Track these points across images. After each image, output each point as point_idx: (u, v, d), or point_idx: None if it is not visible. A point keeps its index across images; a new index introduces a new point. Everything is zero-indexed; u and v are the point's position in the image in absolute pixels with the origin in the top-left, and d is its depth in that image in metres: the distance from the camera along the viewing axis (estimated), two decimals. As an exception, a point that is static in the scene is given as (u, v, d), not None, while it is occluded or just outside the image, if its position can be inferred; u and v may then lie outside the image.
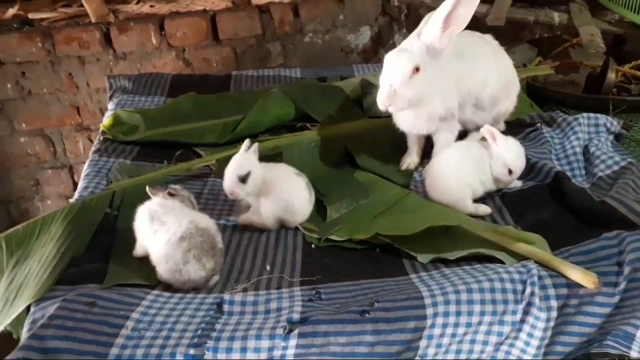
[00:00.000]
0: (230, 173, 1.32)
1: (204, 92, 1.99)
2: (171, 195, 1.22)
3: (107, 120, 1.81)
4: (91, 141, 2.64)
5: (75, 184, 2.70)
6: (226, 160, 1.54)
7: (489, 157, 1.37)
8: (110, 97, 2.10)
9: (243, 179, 1.31)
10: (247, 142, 1.36)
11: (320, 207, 1.41)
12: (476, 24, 2.68)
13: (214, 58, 2.61)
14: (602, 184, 1.39)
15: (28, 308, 1.13)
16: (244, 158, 1.33)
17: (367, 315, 1.01)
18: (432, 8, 2.67)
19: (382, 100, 1.32)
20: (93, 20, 2.62)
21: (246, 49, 2.62)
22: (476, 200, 1.38)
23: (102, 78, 2.51)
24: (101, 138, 1.75)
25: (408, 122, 1.48)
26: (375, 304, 1.04)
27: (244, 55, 2.63)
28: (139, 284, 1.16)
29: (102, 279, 1.17)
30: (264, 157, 1.53)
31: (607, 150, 1.47)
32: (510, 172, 1.36)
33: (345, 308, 1.05)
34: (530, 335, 1.07)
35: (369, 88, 1.82)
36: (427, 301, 1.04)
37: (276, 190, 1.34)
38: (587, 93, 2.02)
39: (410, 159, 1.58)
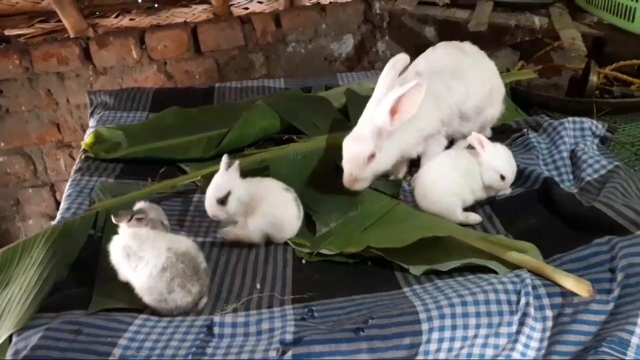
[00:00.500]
0: (209, 196, 1.31)
1: (187, 105, 1.96)
2: (139, 220, 1.13)
3: (88, 138, 1.77)
4: (73, 158, 2.60)
5: (57, 203, 2.65)
6: (212, 176, 1.52)
7: (479, 164, 1.36)
8: (91, 114, 2.06)
9: (222, 201, 1.29)
10: (225, 158, 1.34)
11: (309, 221, 1.40)
12: (458, 29, 2.73)
13: (196, 70, 2.58)
14: (590, 188, 1.39)
15: (10, 338, 1.09)
16: (222, 179, 1.30)
17: (361, 333, 0.99)
18: (413, 15, 2.71)
19: (347, 184, 1.40)
20: (72, 35, 2.58)
21: (229, 60, 2.60)
22: (466, 209, 1.37)
23: (83, 94, 2.48)
24: (82, 156, 1.71)
25: (406, 155, 1.52)
26: (370, 320, 1.02)
27: (227, 67, 2.61)
28: (126, 308, 1.12)
29: (87, 304, 1.13)
30: (251, 172, 1.51)
31: (593, 154, 1.47)
32: (502, 177, 1.35)
33: (339, 326, 1.03)
34: (526, 346, 1.06)
35: (354, 98, 1.81)
36: (422, 316, 1.02)
37: (264, 206, 1.32)
38: (570, 96, 2.03)
39: (397, 171, 1.57)
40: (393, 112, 1.35)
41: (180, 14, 2.88)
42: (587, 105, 1.85)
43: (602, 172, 1.41)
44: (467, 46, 1.63)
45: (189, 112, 1.92)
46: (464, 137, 1.64)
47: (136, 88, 2.18)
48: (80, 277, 1.22)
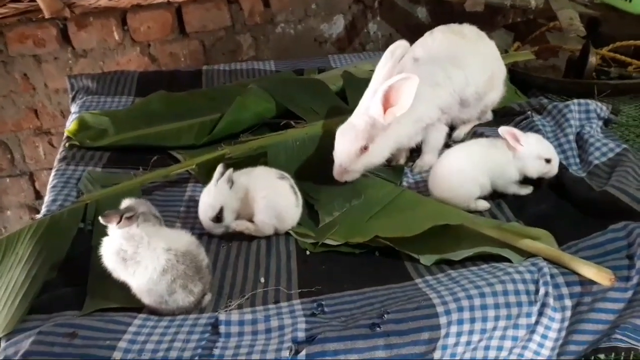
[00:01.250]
0: (203, 216, 1.26)
1: (174, 90, 1.88)
2: (129, 219, 1.02)
3: (71, 124, 1.67)
4: (52, 146, 2.47)
5: (36, 192, 2.53)
6: (207, 164, 1.45)
7: (515, 158, 1.30)
8: (73, 99, 1.95)
9: (217, 218, 1.24)
10: (219, 169, 1.27)
11: (311, 210, 1.34)
12: (450, 10, 2.67)
13: (182, 52, 2.47)
14: (599, 172, 1.35)
15: (-2, 342, 1.01)
16: (214, 196, 1.24)
17: (377, 329, 0.94)
18: (406, -6, 2.64)
19: (336, 176, 1.35)
20: (47, 15, 2.43)
21: (215, 41, 2.49)
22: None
23: (62, 78, 2.35)
24: (66, 144, 1.62)
25: (403, 147, 1.47)
26: (385, 315, 0.97)
27: (213, 49, 2.50)
28: (123, 307, 1.05)
29: (80, 304, 1.06)
30: (247, 159, 1.44)
31: (600, 137, 1.43)
32: (548, 161, 1.29)
33: (353, 322, 0.98)
34: (544, 336, 1.02)
35: (352, 81, 1.75)
36: (439, 309, 0.98)
37: (261, 198, 1.26)
38: (568, 77, 2.00)
39: (400, 155, 1.52)
40: (385, 105, 1.30)
41: (163, -6, 2.76)
42: (587, 86, 1.81)
43: (610, 155, 1.37)
44: (466, 29, 1.57)
45: (177, 97, 1.83)
46: (464, 123, 1.60)
47: (120, 71, 2.08)
48: (71, 275, 1.14)
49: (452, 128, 1.58)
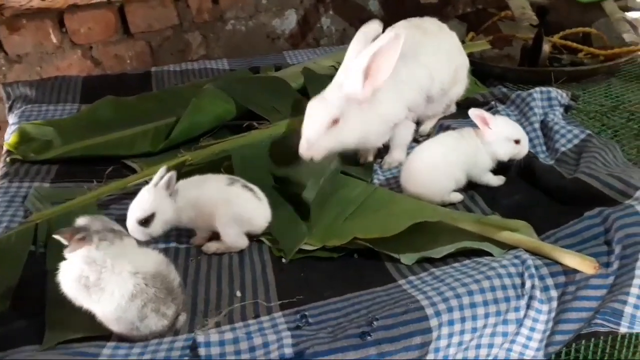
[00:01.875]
0: (130, 216, 1.15)
1: (122, 94, 1.77)
2: (81, 241, 0.91)
3: (11, 137, 1.53)
4: (-12, 160, 2.29)
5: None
6: (166, 172, 1.36)
7: (484, 144, 1.29)
8: (10, 109, 1.80)
9: (144, 222, 1.14)
10: (160, 172, 1.16)
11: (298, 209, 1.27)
12: (402, 2, 2.66)
13: (127, 54, 2.34)
14: (567, 158, 1.37)
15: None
16: (147, 198, 1.15)
17: (368, 337, 0.90)
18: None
19: (302, 151, 1.28)
20: (-27, 19, 2.25)
21: (162, 41, 2.37)
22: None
23: (-5, 86, 2.18)
24: (7, 159, 1.48)
25: (364, 147, 1.43)
26: (374, 322, 0.93)
27: (161, 49, 2.38)
28: (88, 337, 0.95)
29: (39, 337, 0.95)
30: (209, 165, 1.36)
31: (564, 124, 1.45)
32: (517, 142, 1.29)
33: (342, 331, 0.93)
34: (532, 329, 1.01)
35: (313, 77, 1.69)
36: (429, 311, 0.94)
37: (222, 208, 1.17)
38: (523, 65, 2.02)
39: (368, 154, 1.48)
40: (366, 76, 1.25)
41: (101, -7, 2.60)
42: (543, 74, 1.84)
43: (576, 141, 1.39)
44: (428, 23, 1.55)
45: (127, 102, 1.72)
46: (429, 118, 1.59)
47: (61, 77, 1.94)
48: (26, 305, 1.03)
49: (417, 123, 1.56)
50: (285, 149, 1.37)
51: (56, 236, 0.91)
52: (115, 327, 0.94)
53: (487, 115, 1.29)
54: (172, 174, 1.16)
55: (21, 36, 2.18)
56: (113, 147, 1.50)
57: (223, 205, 1.17)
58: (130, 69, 2.29)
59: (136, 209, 1.15)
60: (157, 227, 1.15)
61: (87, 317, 0.96)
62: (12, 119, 1.73)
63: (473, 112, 1.30)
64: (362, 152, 1.47)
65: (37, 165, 1.46)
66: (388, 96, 1.34)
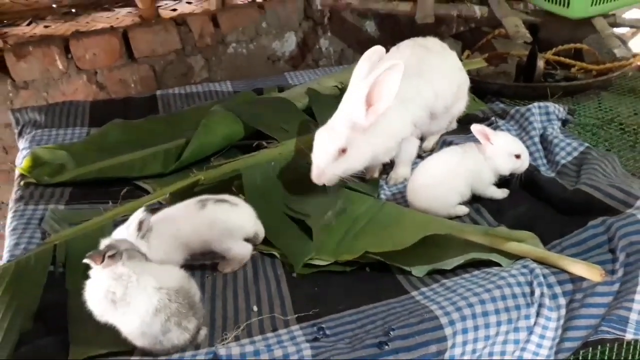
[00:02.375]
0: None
1: (130, 117, 1.81)
2: (112, 258, 0.96)
3: (24, 161, 1.56)
4: (-5, 184, 2.32)
5: (-19, 236, 2.35)
6: (180, 192, 1.40)
7: (486, 159, 1.33)
8: (20, 134, 1.83)
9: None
10: (137, 214, 1.12)
11: (301, 228, 1.30)
12: (398, 23, 2.73)
13: (131, 78, 2.39)
14: (567, 171, 1.41)
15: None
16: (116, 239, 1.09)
17: (386, 347, 0.93)
18: (354, 9, 2.68)
19: (314, 178, 1.32)
20: (-23, 47, 2.29)
21: (166, 65, 2.43)
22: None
23: (2, 112, 2.22)
24: (22, 183, 1.51)
25: (378, 161, 1.46)
26: (391, 332, 0.96)
27: (164, 73, 2.43)
28: (112, 352, 0.98)
29: (63, 354, 0.98)
30: (220, 184, 1.40)
31: (563, 138, 1.50)
32: (518, 156, 1.33)
33: (359, 342, 0.96)
34: (542, 336, 1.05)
35: (318, 97, 1.74)
36: (443, 320, 0.98)
37: (207, 232, 1.18)
38: (518, 81, 2.08)
39: (374, 169, 1.52)
40: (368, 103, 1.29)
41: (103, 19, 2.67)
42: (539, 90, 1.90)
43: (575, 154, 1.44)
44: (430, 42, 1.60)
45: (135, 125, 1.76)
46: (432, 134, 1.62)
47: (69, 102, 1.98)
48: (49, 324, 1.06)
49: (420, 139, 1.60)
50: (295, 175, 1.42)
51: (87, 260, 0.95)
52: (139, 341, 0.96)
53: (488, 130, 1.33)
54: (146, 216, 1.12)
55: (28, 63, 2.23)
56: (125, 169, 1.54)
57: (207, 230, 1.18)
58: (135, 93, 2.34)
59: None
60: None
61: (110, 334, 0.99)
62: (22, 143, 1.76)
63: (475, 128, 1.34)
64: (368, 168, 1.51)
65: (51, 188, 1.49)
66: (395, 114, 1.38)
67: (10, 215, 1.40)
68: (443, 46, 1.61)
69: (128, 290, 0.95)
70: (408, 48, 1.53)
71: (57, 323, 1.05)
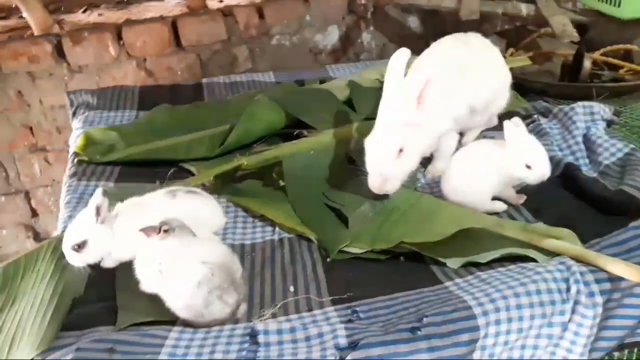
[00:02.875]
0: (64, 243, 1.15)
1: (176, 103, 1.88)
2: (166, 232, 1.04)
3: (78, 140, 1.65)
4: (48, 163, 2.44)
5: (32, 210, 2.48)
6: (222, 175, 1.45)
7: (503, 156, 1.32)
8: (74, 115, 1.93)
9: (78, 247, 1.14)
10: (94, 198, 1.14)
11: (337, 216, 1.33)
12: (441, 19, 2.72)
13: (178, 66, 2.47)
14: (610, 172, 1.39)
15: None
16: (81, 223, 1.15)
17: (418, 332, 0.95)
18: (398, 4, 2.69)
19: (376, 188, 1.29)
20: (36, 32, 2.41)
21: (212, 54, 2.50)
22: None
23: (57, 94, 2.33)
24: (75, 160, 1.59)
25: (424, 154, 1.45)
26: (424, 319, 0.97)
27: (210, 62, 2.50)
28: (156, 321, 1.04)
29: (111, 320, 1.04)
30: (261, 169, 1.44)
31: (607, 138, 1.47)
32: (529, 167, 1.31)
33: (393, 326, 0.98)
34: (576, 334, 1.04)
35: (358, 90, 1.77)
36: (477, 310, 0.99)
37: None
38: (563, 81, 2.05)
39: None
40: (418, 100, 1.30)
41: (153, 8, 2.76)
42: (585, 90, 1.87)
43: (619, 155, 1.41)
44: (472, 38, 1.59)
45: (182, 110, 1.83)
46: (471, 130, 1.62)
47: (120, 86, 2.07)
48: (98, 290, 1.12)
49: (460, 134, 1.61)
50: (333, 164, 1.45)
51: (141, 232, 1.01)
52: (182, 313, 1.01)
53: (519, 122, 1.31)
54: (102, 201, 1.13)
55: (83, 48, 2.33)
56: (171, 151, 1.60)
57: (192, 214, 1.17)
58: (181, 80, 2.42)
59: (70, 234, 1.15)
60: (91, 255, 1.15)
61: (155, 303, 1.04)
62: (76, 124, 1.85)
63: (513, 121, 1.32)
64: None
65: (102, 166, 1.57)
66: (436, 110, 1.38)
67: (64, 189, 1.48)
68: (485, 42, 1.60)
69: (175, 263, 1.00)
70: (449, 43, 1.53)
71: (107, 291, 1.12)
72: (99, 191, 1.15)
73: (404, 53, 1.43)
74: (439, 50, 1.53)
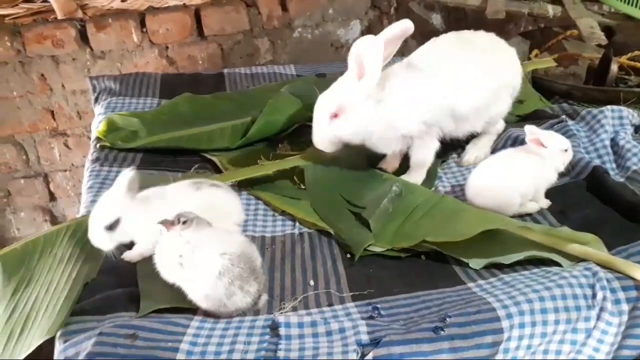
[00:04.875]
0: (95, 223, 1.13)
1: (197, 92, 1.87)
2: (184, 224, 1.03)
3: (101, 125, 1.65)
4: (68, 147, 2.45)
5: (51, 194, 2.50)
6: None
7: (543, 162, 1.31)
8: (96, 100, 1.93)
9: (110, 227, 1.13)
10: (125, 175, 1.13)
11: (357, 216, 1.33)
12: (464, 17, 2.69)
13: (199, 55, 2.47)
14: (638, 177, 1.37)
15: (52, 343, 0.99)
16: (112, 202, 1.14)
17: (441, 332, 0.94)
18: (423, 2, 2.66)
19: (315, 143, 1.41)
20: (59, 16, 2.41)
21: (233, 45, 2.49)
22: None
23: (79, 79, 2.34)
24: (97, 146, 1.60)
25: (374, 149, 1.44)
26: (447, 319, 0.97)
27: (231, 52, 2.50)
28: (178, 308, 1.04)
29: (132, 306, 1.04)
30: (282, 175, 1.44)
31: (636, 144, 1.45)
32: (566, 150, 1.33)
33: (415, 325, 0.97)
34: (600, 341, 1.03)
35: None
36: (501, 313, 0.98)
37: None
38: (588, 85, 2.02)
39: (387, 165, 1.50)
40: (359, 75, 1.33)
41: (176, -4, 2.75)
42: (611, 94, 1.84)
43: (648, 161, 1.39)
44: (479, 36, 1.49)
45: (204, 100, 1.83)
46: (469, 136, 1.51)
47: (142, 73, 2.06)
48: (119, 277, 1.13)
49: (467, 141, 1.55)
50: (350, 166, 1.46)
51: (160, 225, 1.02)
52: (204, 304, 1.01)
53: (539, 133, 1.30)
54: (133, 179, 1.13)
55: (106, 34, 2.33)
56: (194, 140, 1.60)
57: (201, 214, 1.10)
58: (202, 70, 2.41)
59: (101, 216, 1.14)
60: (120, 233, 1.14)
61: (174, 291, 1.05)
62: (98, 109, 1.86)
63: (528, 138, 1.31)
64: (382, 162, 1.51)
65: (124, 153, 1.57)
66: (399, 107, 1.36)
67: (87, 174, 1.49)
68: (495, 42, 1.51)
69: (194, 254, 1.00)
70: (446, 40, 1.46)
71: (129, 277, 1.12)
72: (129, 171, 1.14)
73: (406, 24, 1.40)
74: (432, 46, 1.46)
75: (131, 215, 1.14)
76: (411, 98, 1.36)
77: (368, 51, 1.30)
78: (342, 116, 1.36)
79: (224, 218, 1.22)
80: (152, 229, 1.10)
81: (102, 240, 1.14)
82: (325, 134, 1.38)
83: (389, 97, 1.36)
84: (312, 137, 1.39)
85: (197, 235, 1.04)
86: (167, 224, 1.04)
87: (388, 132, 1.39)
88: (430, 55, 1.43)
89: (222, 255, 1.01)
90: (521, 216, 1.31)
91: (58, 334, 0.98)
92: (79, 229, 1.25)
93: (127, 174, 1.14)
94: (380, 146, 1.43)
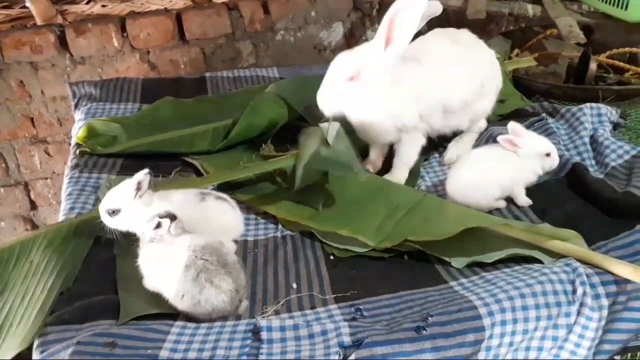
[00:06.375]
0: (102, 203, 1.18)
1: (179, 96, 1.86)
2: (173, 219, 1.05)
3: (80, 131, 1.63)
4: (49, 155, 2.42)
5: (31, 203, 2.46)
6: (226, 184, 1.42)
7: (519, 160, 1.32)
8: (76, 106, 1.91)
9: (112, 212, 1.17)
10: (140, 174, 1.15)
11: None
12: (446, 18, 2.70)
13: (182, 59, 2.45)
14: (617, 173, 1.38)
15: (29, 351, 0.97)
16: (119, 193, 1.17)
17: (423, 331, 0.94)
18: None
19: (319, 103, 1.38)
20: (39, 22, 2.39)
21: (215, 49, 2.48)
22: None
23: (59, 85, 2.31)
24: (77, 152, 1.58)
25: (366, 134, 1.44)
26: (429, 318, 0.97)
27: (213, 56, 2.49)
28: (158, 315, 1.02)
29: (112, 314, 1.03)
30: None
31: (614, 140, 1.47)
32: (548, 155, 1.32)
33: (397, 325, 0.97)
34: (581, 336, 1.03)
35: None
36: (482, 311, 0.98)
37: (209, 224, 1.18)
38: (568, 83, 2.04)
39: (371, 165, 1.51)
40: (387, 40, 1.32)
41: (158, 1, 2.73)
42: (590, 92, 1.86)
43: (626, 157, 1.41)
44: (463, 35, 1.54)
45: (185, 103, 1.82)
46: (452, 132, 1.54)
47: (122, 78, 2.05)
48: (100, 284, 1.11)
49: (449, 139, 1.57)
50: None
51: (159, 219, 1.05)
52: (180, 303, 1.01)
53: (512, 137, 1.31)
54: (145, 177, 1.15)
55: (86, 39, 2.31)
56: (174, 144, 1.59)
57: (204, 224, 1.16)
58: (184, 74, 2.40)
59: (107, 199, 1.18)
60: (119, 222, 1.17)
61: (155, 297, 1.04)
62: (78, 115, 1.84)
63: (500, 138, 1.33)
64: (372, 153, 1.51)
65: (104, 158, 1.56)
66: (402, 97, 1.37)
67: (66, 181, 1.47)
68: (476, 41, 1.56)
69: (167, 249, 1.03)
70: (435, 36, 1.50)
71: (107, 285, 1.11)
72: (144, 170, 1.16)
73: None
74: (422, 41, 1.48)
75: (132, 210, 1.16)
76: (416, 90, 1.39)
77: (408, 10, 1.28)
78: (358, 82, 1.34)
79: (223, 232, 1.22)
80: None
81: (105, 218, 1.18)
82: (335, 94, 1.35)
83: (398, 88, 1.37)
84: (318, 94, 1.35)
85: (171, 234, 1.05)
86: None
87: (388, 121, 1.40)
88: (422, 50, 1.45)
89: (188, 247, 1.02)
90: (500, 212, 1.32)
91: (35, 343, 0.96)
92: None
93: (142, 174, 1.16)
94: (376, 136, 1.43)
